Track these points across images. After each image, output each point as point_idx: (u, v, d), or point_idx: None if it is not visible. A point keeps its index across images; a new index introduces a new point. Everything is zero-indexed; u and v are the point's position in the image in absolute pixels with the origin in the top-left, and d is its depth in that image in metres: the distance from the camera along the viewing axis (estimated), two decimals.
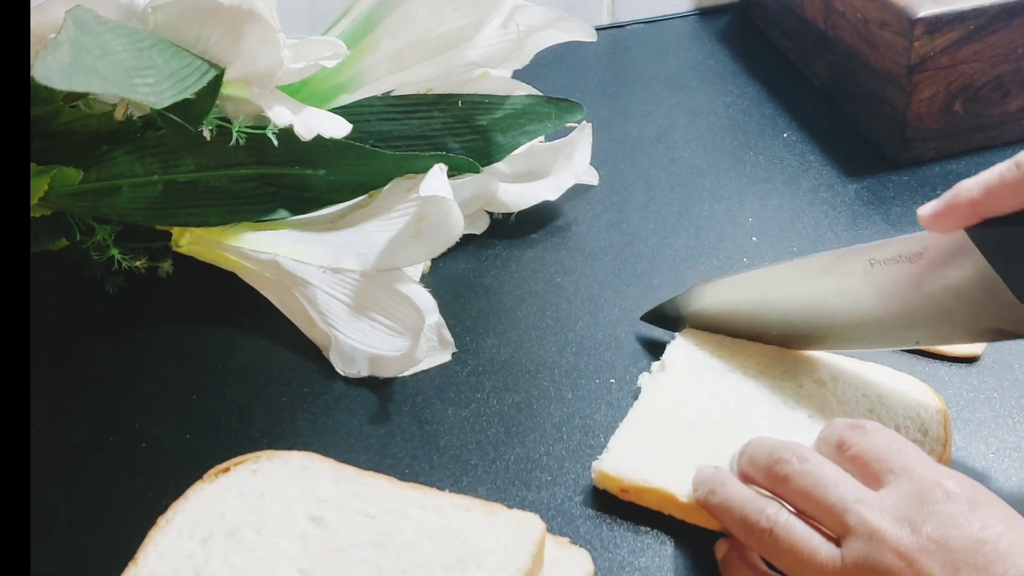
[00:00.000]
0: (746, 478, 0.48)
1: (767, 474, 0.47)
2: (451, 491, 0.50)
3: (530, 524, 0.47)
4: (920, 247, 0.50)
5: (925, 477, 0.43)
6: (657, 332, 0.61)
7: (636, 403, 0.55)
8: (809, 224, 0.68)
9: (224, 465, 0.50)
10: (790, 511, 0.45)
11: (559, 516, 0.51)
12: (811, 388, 0.55)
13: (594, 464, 0.52)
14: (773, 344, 0.57)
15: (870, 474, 0.45)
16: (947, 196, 0.48)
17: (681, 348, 0.57)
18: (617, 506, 0.52)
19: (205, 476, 0.50)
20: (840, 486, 0.44)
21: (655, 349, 0.60)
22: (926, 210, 0.49)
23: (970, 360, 0.59)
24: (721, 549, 0.48)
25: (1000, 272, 0.48)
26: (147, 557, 0.46)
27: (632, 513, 0.51)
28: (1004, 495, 0.51)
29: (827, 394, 0.54)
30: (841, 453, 0.46)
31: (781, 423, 0.53)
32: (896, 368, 0.56)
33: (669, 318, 0.60)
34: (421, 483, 0.53)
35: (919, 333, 0.52)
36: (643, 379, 0.57)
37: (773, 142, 0.76)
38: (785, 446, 0.47)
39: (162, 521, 0.48)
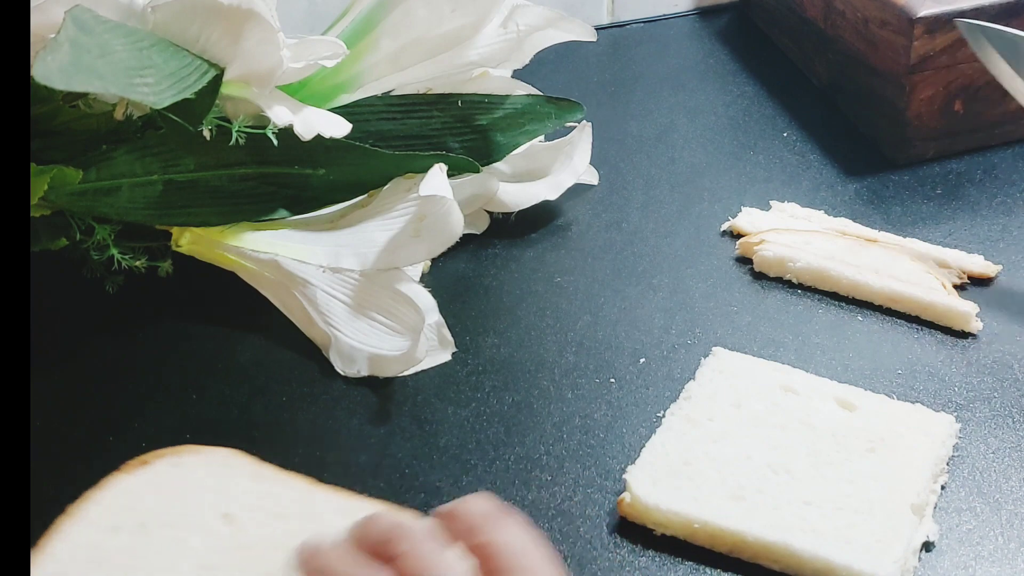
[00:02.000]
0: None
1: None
2: (399, 502, 0.49)
3: None
4: None
5: None
6: (657, 331, 0.61)
7: (660, 431, 0.54)
8: None
9: (143, 457, 0.50)
10: None
11: (559, 516, 0.51)
12: (831, 413, 0.54)
13: (623, 496, 0.51)
14: None
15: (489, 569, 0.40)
16: None
17: (705, 378, 0.56)
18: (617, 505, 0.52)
19: (124, 467, 0.49)
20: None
21: (655, 349, 0.60)
22: None
23: (966, 335, 0.60)
24: None
25: None
26: (53, 545, 0.46)
27: None
28: (1004, 495, 0.51)
29: (846, 422, 0.53)
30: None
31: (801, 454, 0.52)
32: (897, 353, 0.56)
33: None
34: (421, 483, 0.53)
35: None
36: (671, 409, 0.55)
37: (773, 142, 0.76)
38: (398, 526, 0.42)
39: (74, 510, 0.47)
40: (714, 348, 0.58)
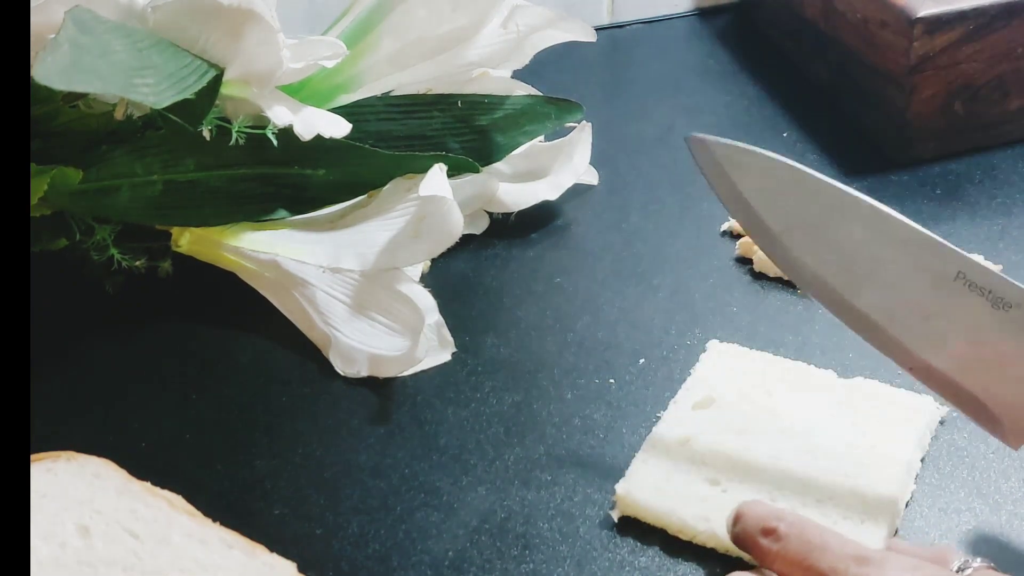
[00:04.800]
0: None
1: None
2: (243, 530, 0.48)
3: (283, 570, 0.47)
4: (1016, 300, 0.45)
5: None
6: (656, 332, 0.61)
7: (655, 429, 0.54)
8: None
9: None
10: None
11: (558, 516, 0.51)
12: (826, 413, 0.54)
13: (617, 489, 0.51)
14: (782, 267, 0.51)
15: None
16: None
17: (701, 377, 0.57)
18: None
19: None
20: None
21: (655, 349, 0.60)
22: None
23: None
24: None
25: None
26: None
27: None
28: (1004, 495, 0.51)
29: (836, 423, 0.53)
30: None
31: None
32: None
33: (713, 161, 0.52)
34: (421, 483, 0.53)
35: (921, 364, 0.48)
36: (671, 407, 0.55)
37: (773, 142, 0.76)
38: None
39: None
40: (709, 342, 0.59)
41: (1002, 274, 0.47)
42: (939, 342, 0.47)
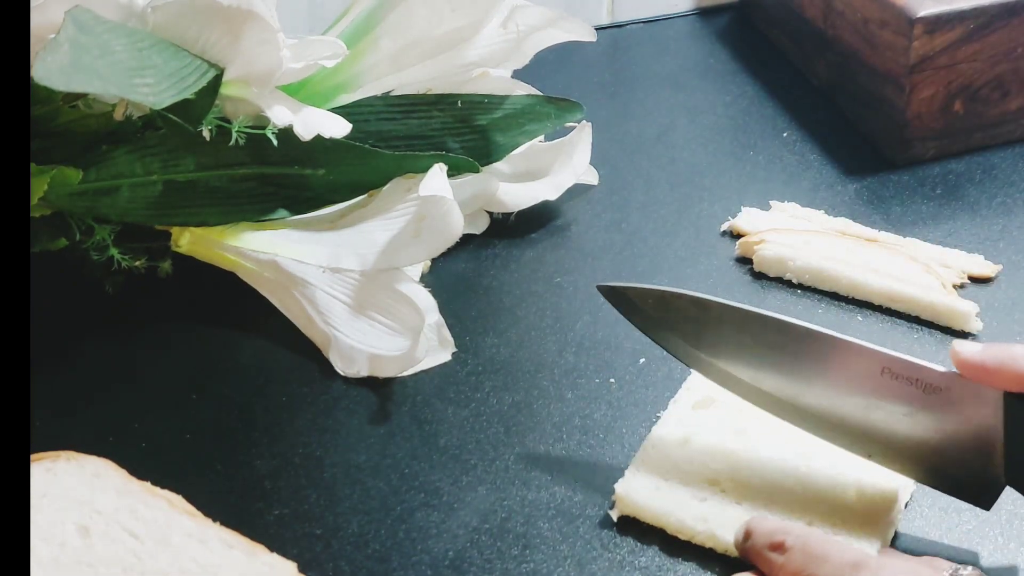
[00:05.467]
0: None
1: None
2: (244, 530, 0.49)
3: (283, 570, 0.47)
4: (943, 384, 0.47)
5: None
6: None
7: (654, 429, 0.54)
8: None
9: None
10: None
11: (558, 516, 0.51)
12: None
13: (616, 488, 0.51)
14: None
15: None
16: (1000, 353, 0.46)
17: (701, 377, 0.55)
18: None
19: None
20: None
21: (655, 349, 0.60)
22: (968, 354, 0.46)
23: (966, 335, 0.60)
24: None
25: (1009, 447, 0.46)
26: None
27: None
28: (1004, 495, 0.51)
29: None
30: None
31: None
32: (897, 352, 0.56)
33: (629, 303, 0.53)
34: (421, 483, 0.53)
35: (876, 450, 0.50)
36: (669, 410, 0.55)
37: (773, 142, 0.76)
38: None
39: None
40: None
41: (921, 361, 0.47)
42: (886, 427, 0.49)
